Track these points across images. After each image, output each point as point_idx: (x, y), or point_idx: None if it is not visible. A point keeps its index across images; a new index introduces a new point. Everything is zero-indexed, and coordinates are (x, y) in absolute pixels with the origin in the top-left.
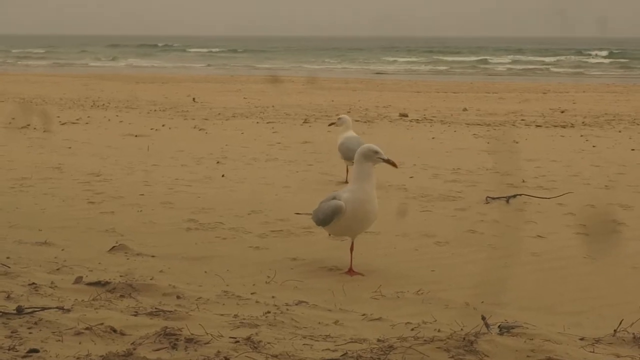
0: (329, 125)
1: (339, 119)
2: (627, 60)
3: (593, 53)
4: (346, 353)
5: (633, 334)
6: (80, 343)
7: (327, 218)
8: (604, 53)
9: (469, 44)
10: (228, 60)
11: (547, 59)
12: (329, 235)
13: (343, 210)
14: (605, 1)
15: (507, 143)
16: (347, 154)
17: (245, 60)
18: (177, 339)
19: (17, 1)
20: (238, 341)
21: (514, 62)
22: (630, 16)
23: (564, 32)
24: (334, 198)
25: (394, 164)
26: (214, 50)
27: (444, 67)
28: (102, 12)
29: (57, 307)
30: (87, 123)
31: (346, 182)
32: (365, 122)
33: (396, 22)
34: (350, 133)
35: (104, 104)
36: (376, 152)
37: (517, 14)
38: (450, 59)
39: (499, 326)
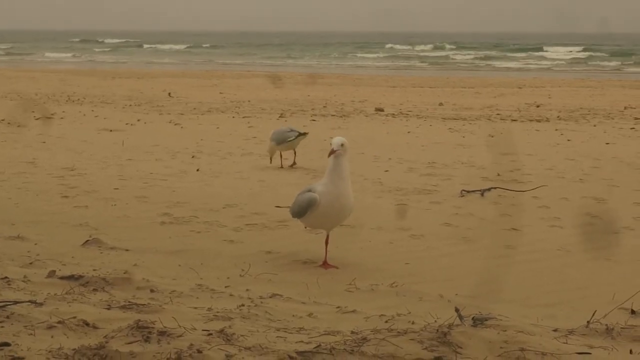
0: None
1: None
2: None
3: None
4: (320, 345)
5: (606, 325)
6: (52, 337)
7: (301, 210)
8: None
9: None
10: (189, 57)
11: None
12: (305, 227)
13: (317, 202)
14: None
15: (482, 137)
16: (279, 136)
17: (204, 56)
18: (150, 332)
19: None
20: (211, 334)
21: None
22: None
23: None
24: (309, 190)
25: (331, 153)
26: (176, 47)
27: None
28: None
29: (29, 301)
30: (62, 118)
31: (281, 167)
32: (341, 116)
33: (395, 17)
34: None
35: (79, 99)
36: (331, 144)
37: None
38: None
39: (472, 318)
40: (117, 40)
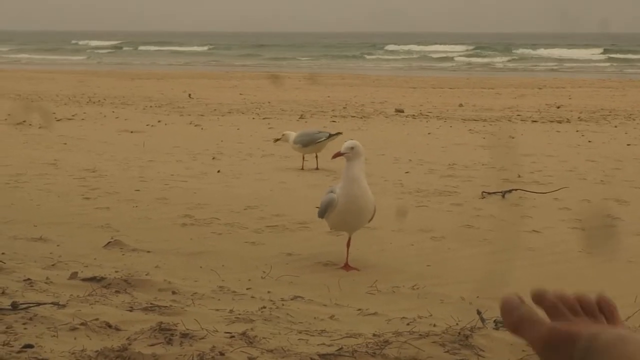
0: (275, 141)
1: (284, 135)
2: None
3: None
4: (342, 348)
5: (629, 327)
6: (75, 338)
7: (322, 210)
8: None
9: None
10: (206, 58)
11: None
12: (330, 229)
13: (335, 203)
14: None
15: (503, 138)
16: (306, 139)
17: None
18: (172, 334)
19: None
20: (233, 336)
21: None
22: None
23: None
24: (331, 191)
25: (336, 155)
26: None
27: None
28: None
29: (52, 303)
30: (82, 119)
31: (302, 169)
32: (361, 117)
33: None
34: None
35: (99, 100)
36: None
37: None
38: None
39: (494, 321)
40: (115, 42)
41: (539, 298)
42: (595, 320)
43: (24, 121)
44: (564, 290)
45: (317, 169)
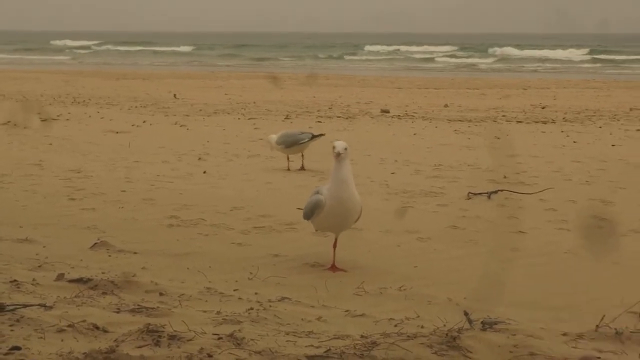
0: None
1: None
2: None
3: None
4: (329, 349)
5: (615, 329)
6: (62, 340)
7: (308, 212)
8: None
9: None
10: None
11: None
12: (315, 230)
13: (322, 204)
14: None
15: (488, 139)
16: (289, 140)
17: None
18: (159, 336)
19: None
20: (221, 338)
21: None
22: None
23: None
24: (317, 192)
25: (337, 156)
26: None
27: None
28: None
29: (39, 304)
30: (67, 119)
31: (288, 169)
32: (346, 118)
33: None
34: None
35: (84, 100)
36: (333, 147)
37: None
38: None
39: (481, 322)
40: (94, 42)
41: None
42: None
43: (9, 122)
44: None
45: (302, 169)
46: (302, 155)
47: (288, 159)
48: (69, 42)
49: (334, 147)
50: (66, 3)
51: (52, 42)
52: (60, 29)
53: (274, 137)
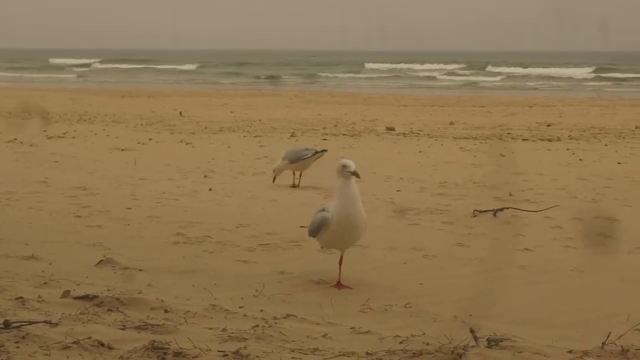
0: (274, 181)
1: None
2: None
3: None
4: None
5: (621, 346)
6: (67, 357)
7: (315, 229)
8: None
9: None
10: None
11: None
12: (321, 247)
13: (329, 222)
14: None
15: (494, 157)
16: (294, 155)
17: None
18: (165, 353)
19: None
20: (226, 355)
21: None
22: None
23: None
24: (323, 210)
25: (356, 175)
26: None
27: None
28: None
29: (44, 321)
30: (73, 137)
31: (294, 185)
32: (352, 135)
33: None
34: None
35: (90, 118)
36: (345, 166)
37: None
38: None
39: (487, 339)
40: (93, 60)
41: None
42: None
43: (15, 139)
44: None
45: (297, 186)
46: (300, 174)
47: (294, 174)
48: (70, 61)
49: (344, 166)
50: (63, 21)
51: (51, 60)
52: (57, 46)
53: (279, 161)
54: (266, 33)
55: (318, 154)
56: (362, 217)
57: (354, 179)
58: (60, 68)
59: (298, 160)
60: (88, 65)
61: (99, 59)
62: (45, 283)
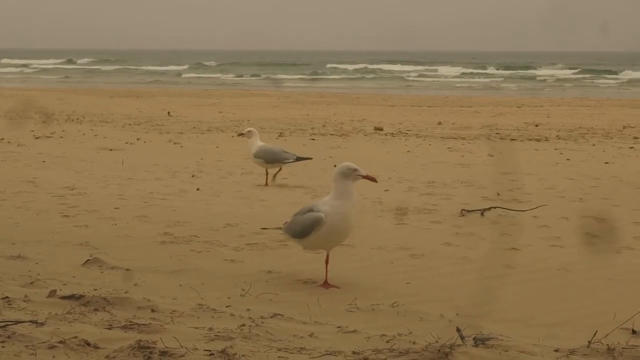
0: (238, 135)
1: (249, 131)
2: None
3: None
4: None
5: (607, 345)
6: (54, 357)
7: (305, 230)
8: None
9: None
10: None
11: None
12: (303, 248)
13: (323, 222)
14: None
15: (481, 156)
16: (271, 157)
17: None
18: (151, 352)
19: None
20: (213, 354)
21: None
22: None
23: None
24: (310, 210)
25: (373, 179)
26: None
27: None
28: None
29: (30, 321)
30: (61, 137)
31: (266, 184)
32: (340, 135)
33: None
34: (260, 142)
35: (78, 118)
36: (355, 170)
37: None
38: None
39: (474, 338)
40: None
41: None
42: None
43: (2, 139)
44: None
45: (266, 185)
46: (271, 172)
47: (267, 172)
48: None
49: (355, 169)
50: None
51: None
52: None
53: (256, 141)
54: (256, 32)
55: (301, 160)
56: (355, 220)
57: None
58: (49, 70)
59: (276, 163)
60: (72, 62)
61: (91, 59)
62: (31, 282)
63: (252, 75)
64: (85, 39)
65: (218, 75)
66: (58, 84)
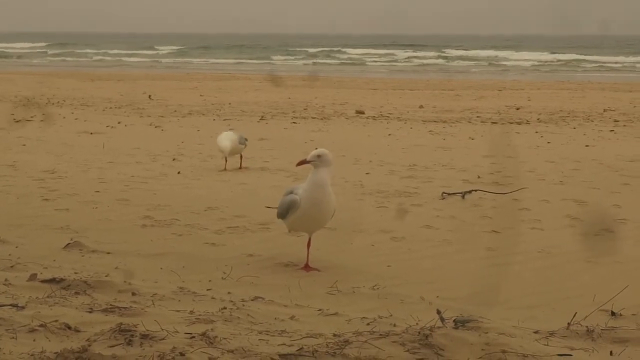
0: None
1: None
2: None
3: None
4: (302, 348)
5: (586, 327)
6: (34, 340)
7: (283, 212)
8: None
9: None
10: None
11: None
12: (289, 231)
13: (297, 204)
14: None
15: (463, 140)
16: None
17: None
18: (132, 335)
19: None
20: (194, 337)
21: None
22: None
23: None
24: (291, 192)
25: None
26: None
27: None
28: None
29: (11, 305)
30: (42, 120)
31: (224, 169)
32: (321, 119)
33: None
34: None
35: (59, 102)
36: (319, 156)
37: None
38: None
39: (454, 320)
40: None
41: None
42: None
43: None
44: None
45: (240, 168)
46: (241, 156)
47: (226, 160)
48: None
49: (318, 155)
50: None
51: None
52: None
53: (232, 136)
54: (239, 15)
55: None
56: (330, 203)
57: (328, 170)
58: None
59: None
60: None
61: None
62: (12, 266)
63: (234, 59)
64: (61, 22)
65: (200, 59)
66: (37, 68)
